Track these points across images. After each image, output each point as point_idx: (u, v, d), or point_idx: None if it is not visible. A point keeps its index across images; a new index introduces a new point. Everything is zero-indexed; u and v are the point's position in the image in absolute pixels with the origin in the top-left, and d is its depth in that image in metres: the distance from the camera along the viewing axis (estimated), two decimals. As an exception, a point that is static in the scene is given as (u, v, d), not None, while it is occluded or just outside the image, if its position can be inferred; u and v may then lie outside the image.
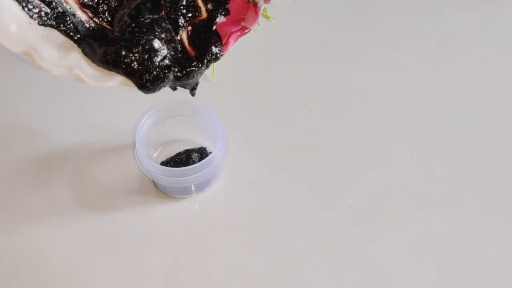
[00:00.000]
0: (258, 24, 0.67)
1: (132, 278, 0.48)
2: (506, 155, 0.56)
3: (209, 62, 0.41)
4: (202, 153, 0.54)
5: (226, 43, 0.42)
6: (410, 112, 0.60)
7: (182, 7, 0.42)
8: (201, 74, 0.42)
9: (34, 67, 0.37)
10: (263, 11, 0.69)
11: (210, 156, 0.49)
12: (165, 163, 0.53)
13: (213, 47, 0.41)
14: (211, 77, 0.62)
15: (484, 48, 0.66)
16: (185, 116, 0.54)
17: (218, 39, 0.42)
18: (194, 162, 0.52)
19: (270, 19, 0.69)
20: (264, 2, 0.41)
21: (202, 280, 0.48)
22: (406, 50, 0.66)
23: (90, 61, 0.40)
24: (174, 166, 0.53)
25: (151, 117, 0.53)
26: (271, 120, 0.59)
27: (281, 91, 0.62)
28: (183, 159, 0.53)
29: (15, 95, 0.61)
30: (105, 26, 0.41)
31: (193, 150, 0.54)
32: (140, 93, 0.42)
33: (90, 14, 0.40)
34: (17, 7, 0.36)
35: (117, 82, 0.40)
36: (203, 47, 0.41)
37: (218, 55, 0.41)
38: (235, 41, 0.42)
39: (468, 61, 0.65)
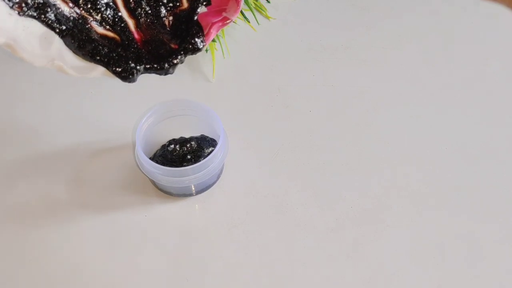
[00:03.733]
0: (258, 24, 0.67)
1: (132, 278, 0.48)
2: (506, 155, 0.56)
3: (192, 53, 0.41)
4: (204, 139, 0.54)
5: (208, 33, 0.41)
6: (410, 112, 0.60)
7: None
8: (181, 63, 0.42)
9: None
10: (263, 10, 0.69)
11: (210, 156, 0.49)
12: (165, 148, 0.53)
13: (195, 38, 0.41)
14: (211, 77, 0.62)
15: (484, 48, 0.66)
16: (185, 116, 0.54)
17: (199, 30, 0.41)
18: (191, 148, 0.52)
19: (270, 19, 0.69)
20: None
21: (202, 280, 0.48)
22: (406, 50, 0.66)
23: (72, 51, 0.40)
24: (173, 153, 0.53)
25: (151, 117, 0.53)
26: (271, 120, 0.59)
27: (281, 91, 0.62)
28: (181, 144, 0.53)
29: (15, 95, 0.61)
30: (85, 16, 0.41)
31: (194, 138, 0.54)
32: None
33: (70, 4, 0.40)
34: None
35: (100, 73, 0.40)
36: (185, 37, 0.41)
37: (200, 45, 0.41)
38: (217, 31, 0.42)
39: (468, 61, 0.65)
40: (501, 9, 0.71)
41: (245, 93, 0.62)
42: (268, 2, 0.70)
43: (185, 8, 0.42)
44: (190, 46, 0.41)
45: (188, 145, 0.53)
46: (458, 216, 0.52)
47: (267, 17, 0.69)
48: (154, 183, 0.53)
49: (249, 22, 0.66)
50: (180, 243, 0.50)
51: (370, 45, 0.67)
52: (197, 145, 0.53)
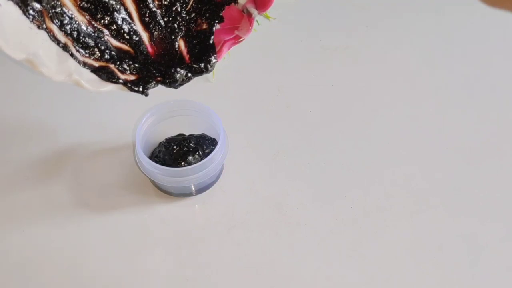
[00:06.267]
0: (258, 24, 0.67)
1: (132, 278, 0.48)
2: (506, 155, 0.56)
3: (203, 72, 0.42)
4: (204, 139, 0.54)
5: (220, 51, 0.42)
6: (410, 112, 0.60)
7: (179, 18, 0.43)
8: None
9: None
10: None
11: (210, 156, 0.49)
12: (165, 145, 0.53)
13: (208, 63, 0.42)
14: (211, 77, 0.62)
15: (484, 48, 0.66)
16: (185, 116, 0.54)
17: (213, 51, 0.42)
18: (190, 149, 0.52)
19: (270, 19, 0.69)
20: (258, 14, 0.41)
21: (202, 280, 0.48)
22: (406, 50, 0.66)
23: None
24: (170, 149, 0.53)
25: (151, 117, 0.53)
26: (271, 120, 0.59)
27: (281, 91, 0.62)
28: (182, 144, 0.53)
29: (15, 95, 0.61)
30: (102, 29, 0.41)
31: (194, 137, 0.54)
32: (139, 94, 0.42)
33: (87, 17, 0.40)
34: (17, 12, 0.36)
35: (114, 87, 0.41)
36: (199, 57, 0.42)
37: (211, 68, 0.42)
38: (228, 49, 0.43)
39: (468, 60, 0.65)
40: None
41: (245, 93, 0.62)
42: (268, 2, 0.70)
43: (203, 29, 0.43)
44: (204, 70, 0.41)
45: (187, 144, 0.53)
46: (458, 216, 0.52)
47: (267, 17, 0.69)
48: (154, 183, 0.53)
49: (249, 22, 0.66)
50: (180, 243, 0.50)
51: (370, 45, 0.67)
52: (197, 144, 0.53)
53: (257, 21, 0.67)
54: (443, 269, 0.48)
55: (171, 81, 0.41)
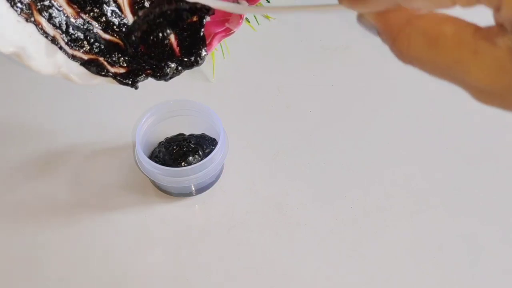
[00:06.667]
0: (258, 24, 0.67)
1: (132, 278, 0.48)
2: (506, 155, 0.56)
3: (194, 66, 0.41)
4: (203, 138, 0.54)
5: (210, 43, 0.42)
6: (411, 112, 0.60)
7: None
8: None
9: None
10: (263, 11, 0.69)
11: (210, 156, 0.49)
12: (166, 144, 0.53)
13: (198, 57, 0.41)
14: (211, 77, 0.62)
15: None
16: (185, 116, 0.54)
17: (203, 44, 0.42)
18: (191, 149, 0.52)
19: (270, 19, 0.69)
20: (249, 6, 0.41)
21: (202, 280, 0.48)
22: (406, 50, 0.66)
23: None
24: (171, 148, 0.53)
25: (151, 117, 0.53)
26: (271, 120, 0.59)
27: (281, 91, 0.62)
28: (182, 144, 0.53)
29: (14, 95, 0.61)
30: (91, 21, 0.41)
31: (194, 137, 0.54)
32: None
33: (76, 10, 0.40)
34: (5, 4, 0.36)
35: (103, 80, 0.40)
36: (189, 50, 0.42)
37: (201, 61, 0.42)
38: (219, 41, 0.42)
39: (468, 61, 0.65)
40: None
41: (245, 93, 0.62)
42: (268, 2, 0.70)
43: (194, 21, 0.42)
44: (194, 63, 0.41)
45: (187, 144, 0.53)
46: (458, 216, 0.52)
47: (267, 17, 0.69)
48: (154, 183, 0.53)
49: (249, 22, 0.66)
50: (180, 243, 0.50)
51: (370, 45, 0.67)
52: (197, 144, 0.53)
53: (257, 21, 0.67)
54: (443, 269, 0.48)
55: (161, 75, 0.41)
